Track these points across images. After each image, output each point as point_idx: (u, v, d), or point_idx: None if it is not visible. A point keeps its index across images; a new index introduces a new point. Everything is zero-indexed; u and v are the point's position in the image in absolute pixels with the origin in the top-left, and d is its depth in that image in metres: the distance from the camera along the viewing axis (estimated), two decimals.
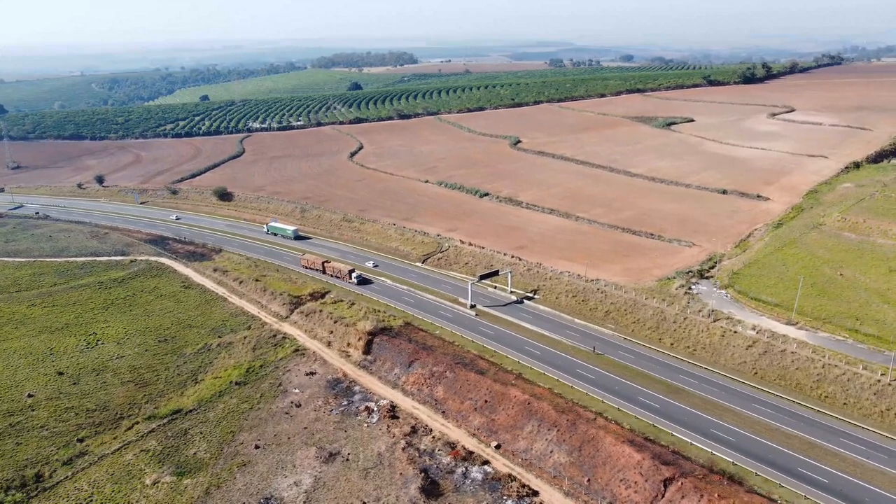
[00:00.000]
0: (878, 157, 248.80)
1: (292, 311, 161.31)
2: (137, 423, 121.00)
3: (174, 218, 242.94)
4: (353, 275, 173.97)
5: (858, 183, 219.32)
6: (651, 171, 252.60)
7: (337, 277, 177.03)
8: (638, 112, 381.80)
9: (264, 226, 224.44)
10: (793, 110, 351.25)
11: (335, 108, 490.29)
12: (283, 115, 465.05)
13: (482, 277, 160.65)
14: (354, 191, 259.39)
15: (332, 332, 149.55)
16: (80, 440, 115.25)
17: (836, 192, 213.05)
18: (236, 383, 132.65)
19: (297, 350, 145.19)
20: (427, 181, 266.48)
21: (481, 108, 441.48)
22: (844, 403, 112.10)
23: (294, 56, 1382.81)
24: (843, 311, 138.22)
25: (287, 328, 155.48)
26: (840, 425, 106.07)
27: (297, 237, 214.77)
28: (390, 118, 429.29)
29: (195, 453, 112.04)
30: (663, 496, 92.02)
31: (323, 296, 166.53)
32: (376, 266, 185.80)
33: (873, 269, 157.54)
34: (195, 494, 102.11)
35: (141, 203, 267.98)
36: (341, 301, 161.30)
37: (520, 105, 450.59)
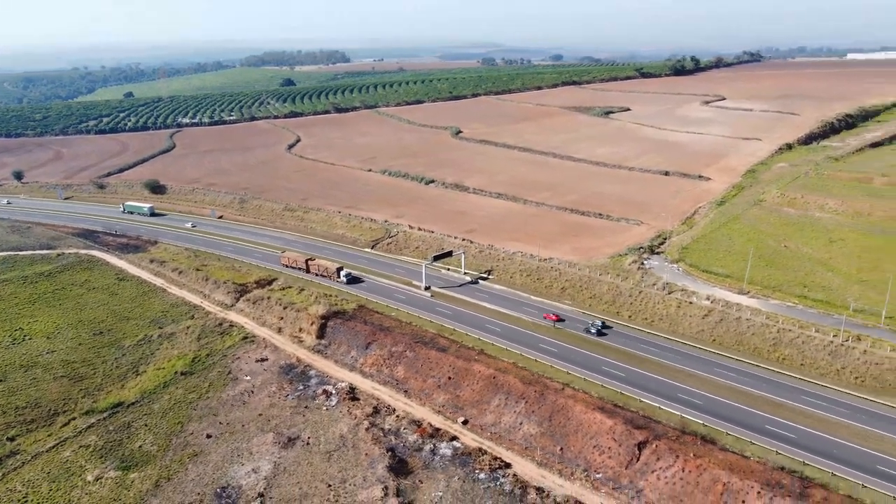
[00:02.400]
0: (807, 140, 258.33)
1: (238, 300, 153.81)
2: (74, 418, 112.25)
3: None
4: (342, 273, 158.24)
5: (792, 163, 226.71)
6: (593, 156, 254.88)
7: (323, 276, 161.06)
8: (575, 102, 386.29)
9: (120, 205, 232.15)
10: (723, 98, 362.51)
11: (269, 103, 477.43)
12: (215, 110, 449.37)
13: (436, 258, 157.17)
14: (295, 181, 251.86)
15: (282, 318, 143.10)
16: (11, 439, 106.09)
17: (772, 172, 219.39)
18: (182, 373, 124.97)
19: (245, 338, 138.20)
20: (370, 170, 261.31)
21: (419, 102, 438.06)
22: (801, 364, 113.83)
23: (221, 56, 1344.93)
24: (791, 280, 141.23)
25: (233, 316, 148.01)
26: (800, 384, 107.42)
27: (153, 214, 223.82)
28: (327, 112, 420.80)
29: (140, 446, 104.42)
30: (638, 459, 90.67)
31: (270, 283, 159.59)
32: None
33: (814, 240, 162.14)
34: (143, 488, 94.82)
35: (65, 198, 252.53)
36: (290, 287, 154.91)
37: (458, 98, 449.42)
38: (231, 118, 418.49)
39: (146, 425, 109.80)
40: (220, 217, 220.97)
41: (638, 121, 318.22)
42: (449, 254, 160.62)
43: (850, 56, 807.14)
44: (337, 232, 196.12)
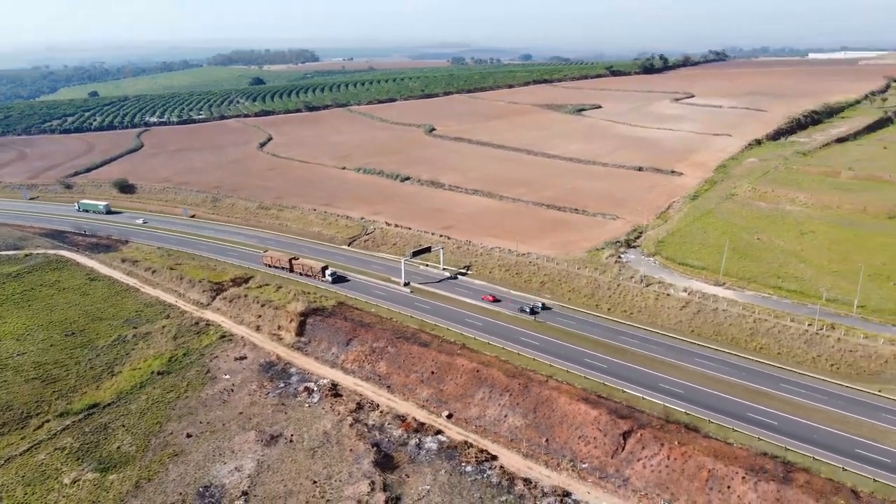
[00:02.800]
0: (776, 135, 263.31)
1: (214, 298, 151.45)
2: (48, 420, 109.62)
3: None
4: (328, 272, 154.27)
5: (762, 158, 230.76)
6: (567, 153, 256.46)
7: (307, 276, 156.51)
8: (547, 100, 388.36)
9: (75, 204, 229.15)
10: (692, 96, 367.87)
11: (238, 101, 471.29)
12: (183, 109, 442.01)
13: (415, 254, 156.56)
14: (268, 179, 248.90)
15: (259, 316, 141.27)
16: None
17: (742, 167, 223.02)
18: (159, 373, 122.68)
19: (223, 336, 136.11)
20: (344, 168, 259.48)
21: (392, 100, 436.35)
22: (778, 353, 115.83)
23: (187, 55, 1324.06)
24: (765, 271, 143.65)
25: (210, 315, 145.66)
26: (778, 373, 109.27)
27: (109, 212, 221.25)
28: (298, 110, 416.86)
29: (119, 447, 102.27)
30: (623, 448, 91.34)
31: (246, 280, 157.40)
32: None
33: (786, 232, 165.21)
34: (123, 490, 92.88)
35: (31, 199, 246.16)
36: (267, 285, 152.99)
37: (430, 96, 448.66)
38: (200, 117, 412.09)
39: (124, 426, 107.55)
40: (193, 216, 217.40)
41: (610, 118, 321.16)
42: (427, 249, 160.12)
43: (811, 56, 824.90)
44: (313, 230, 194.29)
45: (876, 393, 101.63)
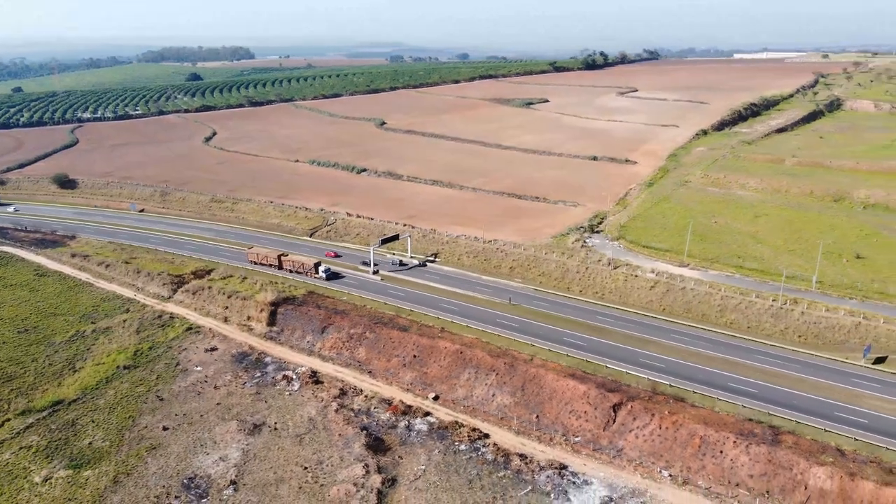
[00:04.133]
0: (720, 126, 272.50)
1: (175, 291, 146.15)
2: (9, 419, 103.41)
3: (12, 210, 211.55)
4: (321, 269, 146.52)
5: (710, 147, 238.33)
6: (522, 143, 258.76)
7: (298, 273, 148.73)
8: (495, 95, 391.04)
9: None
10: (636, 90, 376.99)
11: (176, 97, 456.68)
12: (118, 104, 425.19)
13: (383, 242, 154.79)
14: (219, 173, 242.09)
15: (226, 307, 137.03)
16: None
17: (692, 155, 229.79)
18: (125, 367, 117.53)
19: (189, 328, 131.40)
20: (297, 161, 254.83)
21: (337, 95, 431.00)
22: (748, 327, 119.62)
23: (113, 52, 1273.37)
24: (726, 252, 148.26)
25: (173, 308, 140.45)
26: (751, 345, 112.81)
27: None
28: (241, 105, 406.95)
29: (90, 443, 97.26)
30: (615, 421, 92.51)
31: (208, 272, 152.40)
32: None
33: (741, 216, 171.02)
34: (101, 485, 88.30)
35: None
36: (231, 276, 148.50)
37: (376, 91, 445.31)
38: (137, 113, 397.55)
39: (93, 421, 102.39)
40: (142, 210, 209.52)
41: (559, 111, 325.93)
42: (396, 237, 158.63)
43: (736, 56, 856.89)
44: (272, 221, 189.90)
45: (844, 360, 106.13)
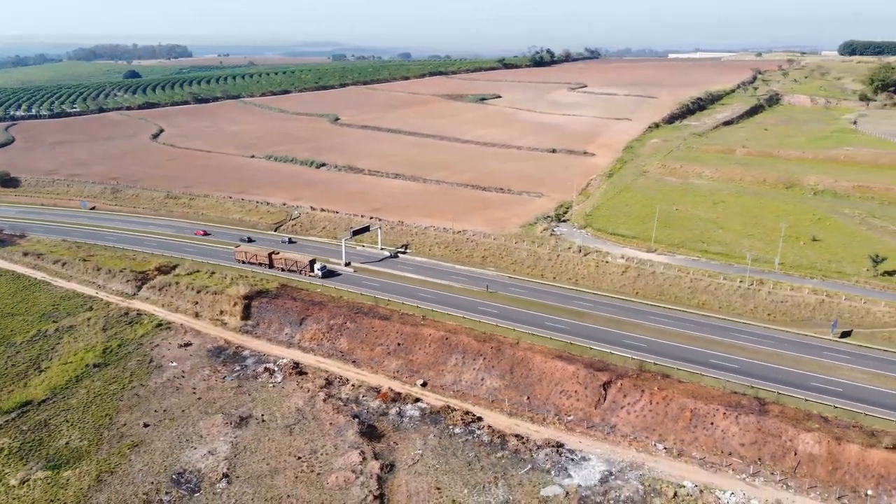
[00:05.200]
0: (670, 119, 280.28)
1: (140, 288, 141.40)
2: None
3: None
4: (317, 266, 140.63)
5: (663, 139, 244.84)
6: (480, 137, 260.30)
7: (291, 271, 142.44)
8: (446, 91, 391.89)
9: None
10: (585, 86, 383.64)
11: (116, 94, 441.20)
12: (53, 102, 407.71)
13: (355, 233, 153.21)
14: (171, 169, 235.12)
15: (197, 302, 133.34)
16: None
17: (647, 147, 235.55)
18: (95, 365, 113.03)
19: (159, 325, 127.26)
20: (253, 156, 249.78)
21: (286, 92, 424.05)
22: (720, 307, 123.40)
23: (41, 50, 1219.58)
24: (690, 237, 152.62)
25: (139, 305, 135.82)
26: (724, 324, 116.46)
27: None
28: (186, 102, 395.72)
29: (67, 443, 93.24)
30: (605, 399, 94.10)
31: (173, 268, 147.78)
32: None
33: (700, 203, 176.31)
34: (83, 485, 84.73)
35: None
36: (198, 271, 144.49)
37: (325, 88, 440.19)
38: (75, 110, 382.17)
39: (67, 421, 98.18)
40: (93, 208, 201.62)
41: (513, 105, 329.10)
42: (366, 229, 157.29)
43: (670, 56, 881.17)
44: (233, 217, 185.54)
45: (813, 335, 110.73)
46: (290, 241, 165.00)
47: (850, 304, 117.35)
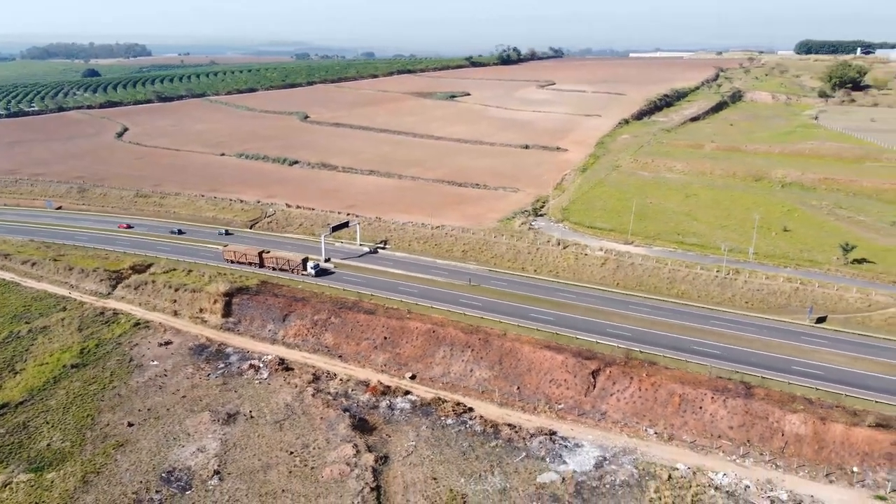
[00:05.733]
0: (639, 115, 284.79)
1: (115, 287, 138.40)
2: None
3: None
4: (310, 265, 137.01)
5: (633, 134, 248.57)
6: (452, 134, 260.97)
7: (283, 270, 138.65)
8: (416, 89, 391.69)
9: None
10: (554, 83, 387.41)
11: (75, 93, 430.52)
12: (9, 101, 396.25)
13: (334, 229, 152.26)
14: (139, 168, 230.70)
15: (175, 300, 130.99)
16: None
17: (618, 143, 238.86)
18: (73, 366, 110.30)
19: (137, 324, 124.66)
20: (223, 154, 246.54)
21: (252, 90, 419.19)
22: (699, 296, 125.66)
23: None
24: (665, 229, 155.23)
25: (114, 304, 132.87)
26: (704, 312, 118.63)
27: None
28: (149, 101, 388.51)
29: (49, 445, 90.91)
30: (595, 386, 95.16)
31: (147, 267, 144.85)
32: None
33: (672, 196, 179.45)
34: (69, 486, 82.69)
35: None
36: (174, 269, 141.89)
37: (293, 86, 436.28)
38: (33, 109, 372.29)
39: (47, 422, 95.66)
40: (59, 208, 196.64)
41: (483, 103, 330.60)
42: (346, 224, 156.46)
43: (631, 55, 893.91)
44: (206, 215, 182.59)
45: (790, 321, 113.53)
46: (227, 233, 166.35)
47: (823, 292, 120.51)
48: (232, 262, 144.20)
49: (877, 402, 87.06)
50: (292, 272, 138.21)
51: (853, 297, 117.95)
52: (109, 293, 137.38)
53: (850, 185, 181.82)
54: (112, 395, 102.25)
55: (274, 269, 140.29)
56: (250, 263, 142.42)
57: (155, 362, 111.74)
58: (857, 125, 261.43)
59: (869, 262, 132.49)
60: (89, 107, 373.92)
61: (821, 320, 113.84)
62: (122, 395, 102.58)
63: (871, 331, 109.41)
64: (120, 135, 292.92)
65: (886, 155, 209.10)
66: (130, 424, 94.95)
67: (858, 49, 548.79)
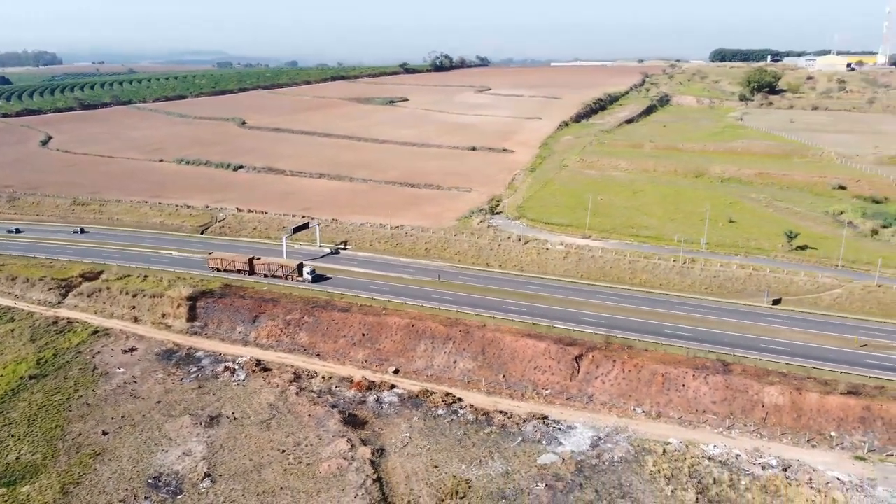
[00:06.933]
0: (577, 118, 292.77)
1: (65, 296, 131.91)
2: None
3: None
4: (306, 271, 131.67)
5: (575, 136, 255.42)
6: (398, 137, 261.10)
7: (276, 277, 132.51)
8: (353, 94, 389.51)
9: None
10: (490, 88, 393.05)
11: None
12: None
13: (295, 230, 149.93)
14: (71, 175, 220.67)
15: (134, 307, 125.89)
16: None
17: (561, 144, 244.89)
18: (31, 377, 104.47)
19: (95, 332, 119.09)
20: (161, 160, 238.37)
21: (182, 97, 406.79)
22: (661, 284, 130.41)
23: None
24: (618, 224, 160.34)
25: (67, 313, 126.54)
26: (669, 298, 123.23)
27: None
28: (72, 108, 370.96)
29: (17, 458, 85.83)
30: (579, 371, 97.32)
31: (99, 274, 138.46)
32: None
33: (621, 193, 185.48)
34: (47, 499, 78.37)
35: None
36: (129, 276, 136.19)
37: (224, 92, 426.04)
38: None
39: (12, 435, 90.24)
40: None
41: (424, 107, 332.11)
42: (306, 226, 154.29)
43: (553, 64, 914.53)
44: (152, 221, 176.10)
45: (750, 304, 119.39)
46: (83, 231, 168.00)
47: (775, 276, 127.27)
48: (218, 270, 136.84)
49: (841, 372, 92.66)
50: (286, 279, 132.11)
51: (802, 281, 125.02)
52: (60, 302, 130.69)
53: (783, 179, 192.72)
54: (80, 405, 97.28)
55: (266, 276, 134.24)
56: (238, 271, 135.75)
57: (121, 369, 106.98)
58: (778, 125, 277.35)
59: (811, 248, 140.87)
60: (5, 115, 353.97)
61: (776, 302, 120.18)
62: (91, 403, 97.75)
63: (823, 310, 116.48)
64: (45, 143, 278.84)
65: (811, 151, 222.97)
66: (105, 433, 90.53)
67: (768, 57, 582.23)
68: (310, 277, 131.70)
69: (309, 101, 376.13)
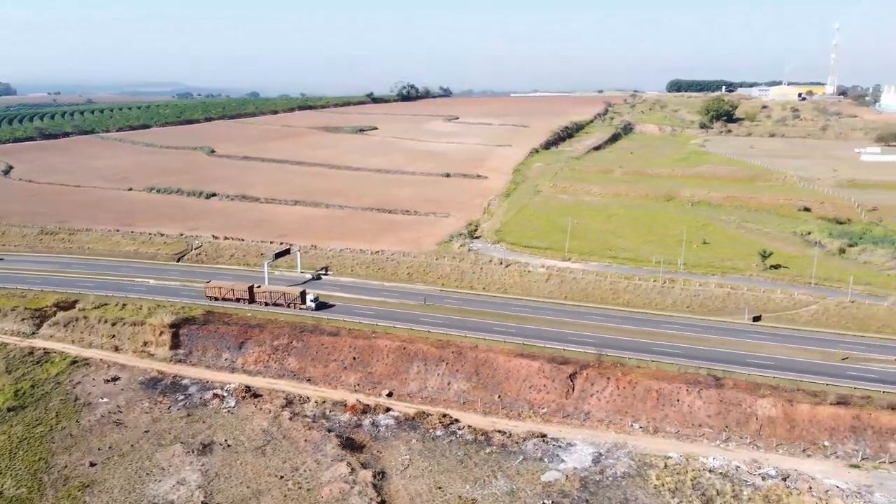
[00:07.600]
0: (547, 145, 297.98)
1: (40, 326, 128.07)
2: None
3: None
4: (309, 298, 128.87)
5: (546, 162, 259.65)
6: (370, 165, 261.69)
7: (277, 305, 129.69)
8: (321, 124, 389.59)
9: None
10: (458, 117, 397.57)
11: None
12: None
13: (277, 255, 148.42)
14: (36, 205, 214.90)
15: (114, 335, 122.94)
16: None
17: (533, 170, 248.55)
18: (9, 409, 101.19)
19: (74, 362, 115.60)
20: (130, 189, 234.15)
21: (146, 126, 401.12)
22: (643, 304, 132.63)
23: None
24: (597, 246, 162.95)
25: (42, 343, 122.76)
26: (653, 317, 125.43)
27: None
28: (32, 138, 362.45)
29: (1, 492, 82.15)
30: (574, 389, 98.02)
31: (74, 303, 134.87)
32: None
33: (596, 217, 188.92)
34: None
35: None
36: (106, 304, 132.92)
37: (190, 122, 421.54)
38: None
39: None
40: None
41: (393, 136, 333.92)
42: (287, 251, 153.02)
43: (512, 95, 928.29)
44: (125, 249, 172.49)
45: (731, 321, 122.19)
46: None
47: (752, 294, 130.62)
48: (216, 298, 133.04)
49: (827, 384, 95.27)
50: (288, 307, 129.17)
51: (779, 298, 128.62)
52: (34, 332, 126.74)
53: (750, 201, 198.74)
54: (63, 436, 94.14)
55: (267, 304, 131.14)
56: (238, 300, 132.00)
57: (105, 399, 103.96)
58: (739, 151, 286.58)
59: (784, 266, 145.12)
60: None
61: (757, 319, 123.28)
62: (75, 434, 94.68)
63: (802, 325, 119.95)
64: (6, 172, 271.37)
65: (774, 175, 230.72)
66: (93, 464, 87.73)
67: (723, 87, 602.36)
68: (313, 305, 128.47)
69: (277, 131, 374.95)
